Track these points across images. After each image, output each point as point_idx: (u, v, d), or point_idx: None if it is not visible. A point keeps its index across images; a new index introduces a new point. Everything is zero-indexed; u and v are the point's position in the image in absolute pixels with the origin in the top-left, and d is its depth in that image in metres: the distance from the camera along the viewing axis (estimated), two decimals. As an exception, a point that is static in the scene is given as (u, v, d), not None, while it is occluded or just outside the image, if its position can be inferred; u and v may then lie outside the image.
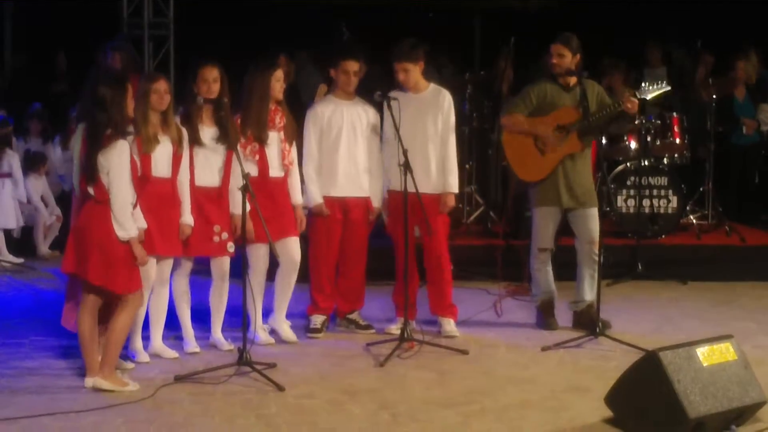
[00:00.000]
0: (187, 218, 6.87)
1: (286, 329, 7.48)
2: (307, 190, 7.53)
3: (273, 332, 7.47)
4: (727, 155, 11.70)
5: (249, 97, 7.23)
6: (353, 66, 7.57)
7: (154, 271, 6.76)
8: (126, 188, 6.09)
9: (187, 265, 7.10)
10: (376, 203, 7.70)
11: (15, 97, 12.87)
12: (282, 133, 7.31)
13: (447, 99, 7.64)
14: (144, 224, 6.39)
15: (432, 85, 7.70)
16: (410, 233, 7.32)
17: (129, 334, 6.78)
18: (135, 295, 6.26)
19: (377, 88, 7.56)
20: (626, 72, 12.15)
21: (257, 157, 7.22)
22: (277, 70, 7.28)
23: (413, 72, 7.55)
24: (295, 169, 7.44)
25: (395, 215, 7.55)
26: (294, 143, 7.41)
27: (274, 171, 7.29)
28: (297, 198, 7.45)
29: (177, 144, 6.78)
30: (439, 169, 7.59)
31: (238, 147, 7.08)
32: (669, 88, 7.95)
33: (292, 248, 7.37)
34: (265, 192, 7.18)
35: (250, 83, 7.25)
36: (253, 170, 7.16)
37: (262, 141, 7.21)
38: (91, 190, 6.10)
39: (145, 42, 11.82)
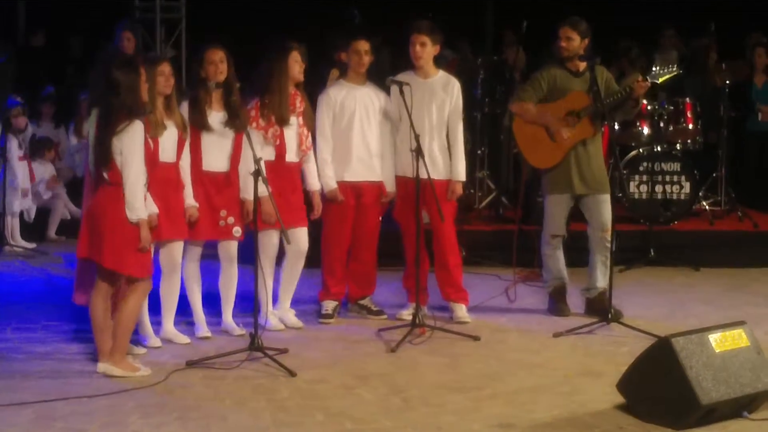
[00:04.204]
0: (191, 201, 6.89)
1: (291, 317, 7.47)
2: (322, 175, 7.50)
3: (280, 320, 7.45)
4: (742, 141, 11.64)
5: (269, 79, 7.21)
6: (364, 45, 7.54)
7: (179, 254, 6.80)
8: (138, 169, 6.07)
9: (196, 250, 7.10)
10: (390, 187, 7.69)
11: (27, 81, 12.88)
12: (300, 117, 7.30)
13: (456, 87, 7.62)
14: (156, 209, 6.38)
15: (441, 72, 7.68)
16: (412, 218, 7.32)
17: (139, 319, 6.81)
18: (145, 281, 6.25)
19: (387, 73, 7.56)
20: (637, 56, 12.10)
21: (278, 141, 7.21)
22: (294, 51, 7.25)
23: (429, 48, 7.52)
24: (312, 154, 7.42)
25: (404, 201, 7.55)
26: (311, 129, 7.40)
27: (291, 155, 7.28)
28: (315, 184, 7.44)
29: (181, 128, 6.79)
30: (446, 156, 7.58)
31: (256, 131, 7.10)
32: (680, 71, 7.91)
33: (300, 238, 7.36)
34: (280, 176, 7.18)
35: (269, 66, 7.23)
36: (270, 154, 7.17)
37: (284, 122, 7.19)
38: (105, 174, 6.09)
39: (157, 25, 11.81)
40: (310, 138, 7.37)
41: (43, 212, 11.27)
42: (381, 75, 7.71)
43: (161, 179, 6.56)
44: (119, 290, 6.29)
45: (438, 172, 7.54)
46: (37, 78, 12.93)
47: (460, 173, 7.62)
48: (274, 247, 7.29)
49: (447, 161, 7.59)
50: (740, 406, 5.45)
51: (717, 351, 5.45)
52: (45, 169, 11.22)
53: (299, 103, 7.29)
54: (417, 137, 7.04)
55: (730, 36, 12.37)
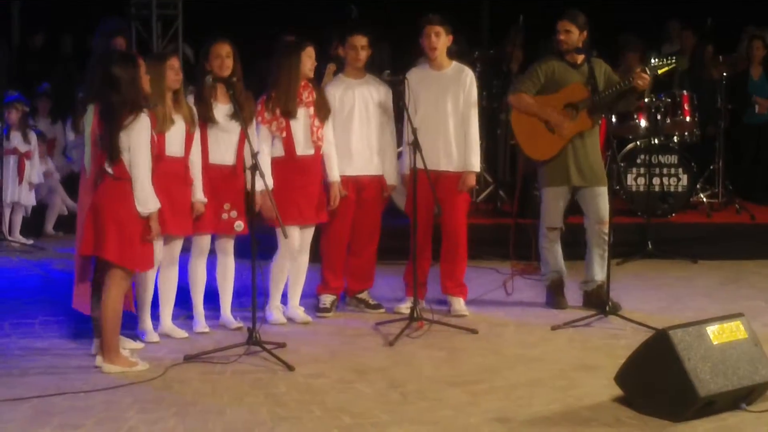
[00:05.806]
0: (200, 196, 6.87)
1: (299, 314, 7.46)
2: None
3: (289, 320, 7.43)
4: (739, 134, 11.65)
5: (278, 73, 7.19)
6: (360, 41, 7.53)
7: (161, 251, 6.75)
8: (146, 164, 6.06)
9: (204, 245, 7.07)
10: (391, 181, 7.68)
11: (23, 77, 12.86)
12: (311, 108, 7.26)
13: (469, 76, 7.61)
14: (158, 203, 6.37)
15: (454, 63, 7.67)
16: (421, 212, 7.30)
17: (138, 314, 6.81)
18: (125, 273, 6.16)
19: (386, 67, 7.55)
20: (641, 49, 12.09)
21: (284, 134, 7.19)
22: (308, 46, 7.23)
23: (443, 38, 7.52)
24: (328, 146, 7.38)
25: (412, 194, 7.54)
26: (326, 121, 7.36)
27: (301, 149, 7.25)
28: (332, 175, 7.41)
29: (189, 123, 6.77)
30: (461, 147, 7.57)
31: (262, 124, 7.08)
32: (677, 62, 7.90)
33: (302, 237, 7.35)
34: (295, 171, 7.18)
35: (281, 60, 7.21)
36: (279, 149, 7.16)
37: (290, 115, 7.16)
38: (109, 169, 6.07)
39: (153, 22, 11.78)
40: (323, 129, 7.33)
41: (41, 208, 11.26)
42: (380, 69, 7.71)
43: (167, 173, 6.54)
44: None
45: (454, 163, 7.54)
46: (32, 74, 12.91)
47: (473, 164, 7.60)
48: (294, 242, 7.26)
49: (463, 153, 7.58)
50: (738, 398, 5.45)
51: (715, 343, 5.45)
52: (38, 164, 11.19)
53: (308, 95, 7.25)
54: (414, 131, 7.04)
55: (725, 29, 12.35)
